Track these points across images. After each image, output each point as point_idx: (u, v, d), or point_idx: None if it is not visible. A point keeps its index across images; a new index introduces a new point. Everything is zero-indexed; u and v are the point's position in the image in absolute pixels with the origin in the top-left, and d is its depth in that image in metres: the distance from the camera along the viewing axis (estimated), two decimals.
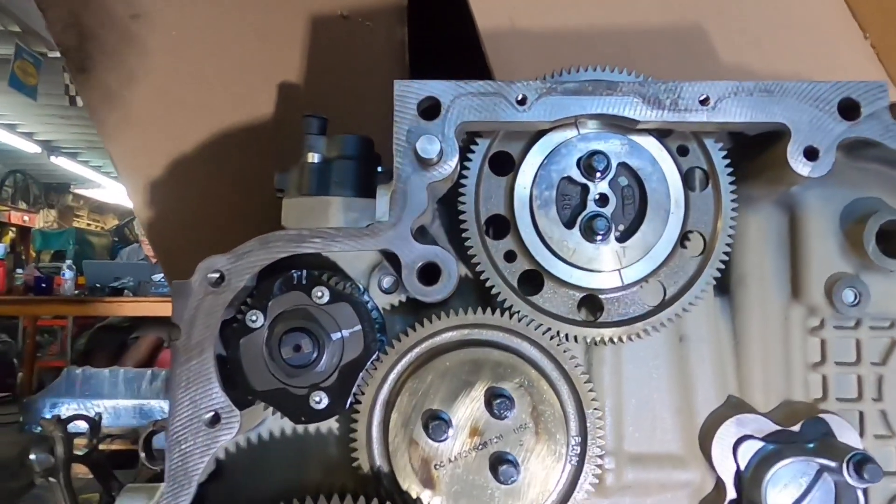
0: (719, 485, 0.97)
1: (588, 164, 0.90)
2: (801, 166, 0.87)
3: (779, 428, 0.96)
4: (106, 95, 1.38)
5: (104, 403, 5.17)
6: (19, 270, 8.08)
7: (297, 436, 0.96)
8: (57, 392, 5.34)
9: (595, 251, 0.91)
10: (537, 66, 1.28)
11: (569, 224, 0.92)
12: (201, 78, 1.46)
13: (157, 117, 1.39)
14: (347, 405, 0.90)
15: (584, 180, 0.92)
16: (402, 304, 0.98)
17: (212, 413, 0.86)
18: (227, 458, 0.97)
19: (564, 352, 0.91)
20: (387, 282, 0.98)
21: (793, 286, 1.01)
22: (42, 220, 13.57)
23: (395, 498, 0.88)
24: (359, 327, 0.91)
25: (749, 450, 0.95)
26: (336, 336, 0.90)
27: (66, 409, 5.12)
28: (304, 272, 0.91)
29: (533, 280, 0.94)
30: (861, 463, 0.87)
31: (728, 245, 0.92)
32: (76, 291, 6.88)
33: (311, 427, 0.96)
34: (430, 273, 0.89)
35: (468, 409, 0.88)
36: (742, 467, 0.95)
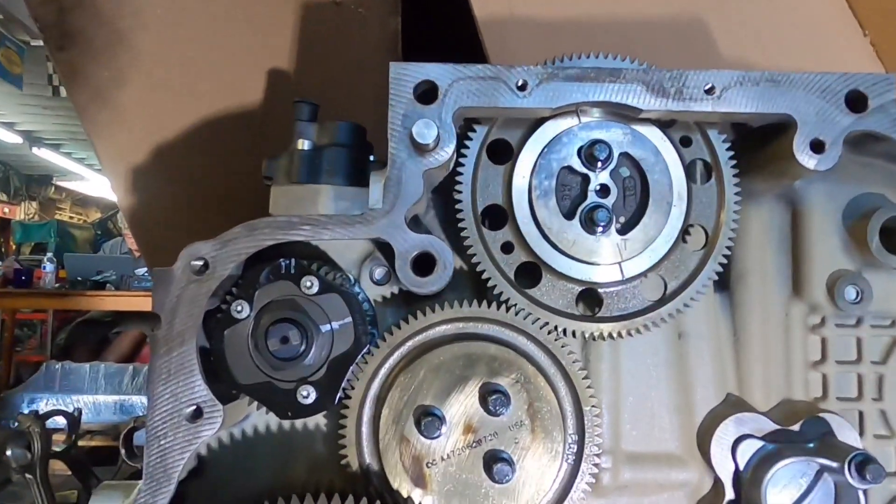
0: (717, 485, 0.94)
1: (589, 154, 0.87)
2: (808, 159, 0.85)
3: (778, 427, 0.94)
4: (83, 76, 1.32)
5: (84, 399, 5.07)
6: None
7: (283, 432, 0.93)
8: (35, 387, 5.23)
9: (595, 243, 0.89)
10: (536, 56, 1.24)
11: (568, 215, 0.89)
12: (188, 63, 1.41)
13: (141, 103, 1.34)
14: (336, 400, 0.87)
15: (584, 170, 0.89)
16: (395, 297, 0.94)
17: (193, 407, 0.82)
18: (209, 454, 0.93)
19: (562, 347, 0.88)
20: (378, 273, 0.94)
21: (794, 283, 0.99)
22: (23, 212, 13.30)
23: (384, 497, 0.84)
24: (349, 319, 0.87)
25: (748, 449, 0.93)
26: (325, 328, 0.87)
27: (45, 404, 5.01)
28: (293, 261, 0.87)
29: (530, 272, 0.91)
30: (863, 463, 0.85)
31: (731, 239, 0.90)
32: (57, 285, 6.74)
33: (298, 423, 0.92)
34: (424, 264, 0.86)
35: (462, 406, 0.85)
36: (741, 467, 0.92)
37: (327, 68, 1.41)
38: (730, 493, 0.93)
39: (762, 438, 0.93)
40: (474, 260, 0.89)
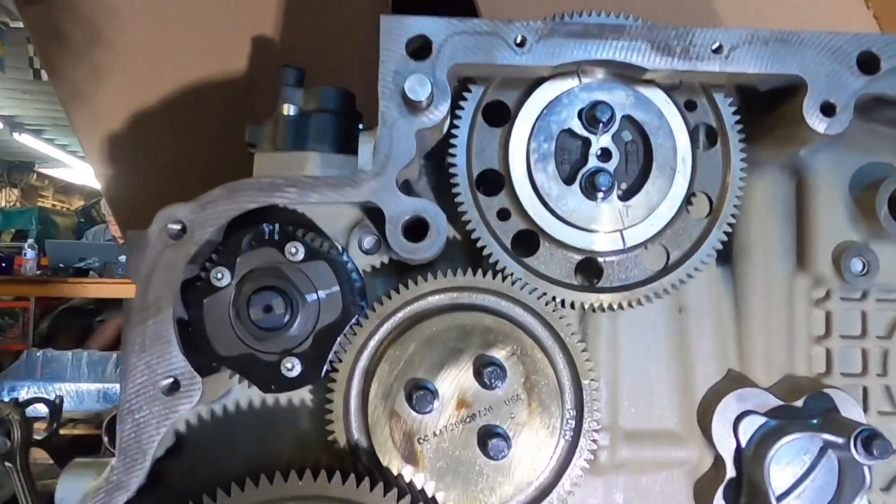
0: (718, 463, 0.91)
1: (591, 116, 0.83)
2: (818, 123, 0.81)
3: (781, 403, 0.91)
4: (56, 34, 1.25)
5: (66, 387, 4.98)
6: None
7: (267, 407, 0.88)
8: (16, 375, 5.12)
9: (596, 210, 0.84)
10: (532, 18, 1.20)
11: (568, 180, 0.85)
12: (169, 28, 1.34)
13: (115, 64, 1.27)
14: (323, 373, 0.82)
15: (585, 133, 0.85)
16: (385, 267, 0.90)
17: (170, 379, 0.77)
18: (188, 431, 0.88)
19: (560, 318, 0.84)
20: (368, 242, 0.90)
21: (798, 255, 0.95)
22: (4, 199, 13.05)
23: (374, 474, 0.80)
24: (336, 288, 0.83)
25: (750, 426, 0.90)
26: (311, 297, 0.82)
27: (26, 392, 4.91)
28: (277, 226, 0.83)
29: (528, 241, 0.87)
30: (870, 439, 0.82)
31: (736, 207, 0.86)
32: (38, 272, 6.61)
33: (282, 397, 0.88)
34: (416, 229, 0.82)
35: (455, 379, 0.81)
36: (743, 444, 0.89)
37: (315, 35, 1.36)
38: (731, 471, 0.90)
39: (765, 414, 0.90)
40: (469, 227, 0.85)
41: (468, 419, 0.81)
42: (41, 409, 3.66)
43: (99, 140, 1.27)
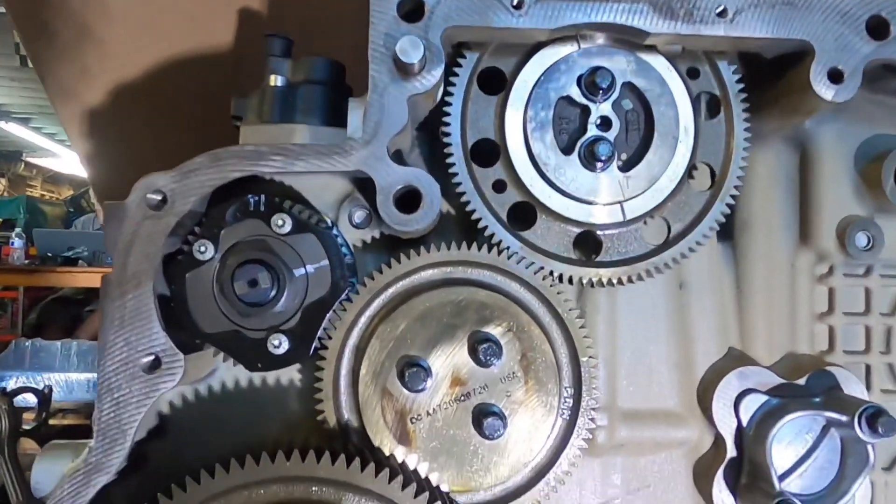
0: (718, 442, 0.89)
1: (590, 82, 0.80)
2: (825, 89, 0.78)
3: (783, 381, 0.89)
4: (32, 5, 1.20)
5: (56, 377, 4.92)
6: None
7: (254, 387, 0.85)
8: (4, 365, 5.06)
9: (595, 181, 0.81)
10: None
11: (567, 150, 0.82)
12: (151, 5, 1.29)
13: (93, 35, 1.22)
14: (311, 351, 0.79)
15: (585, 101, 0.81)
16: (376, 241, 0.86)
17: (151, 357, 0.74)
18: (172, 412, 0.84)
19: (558, 293, 0.81)
20: (358, 216, 0.86)
21: (801, 230, 0.93)
22: None
23: (365, 455, 0.77)
24: (326, 262, 0.79)
25: (752, 404, 0.87)
26: (299, 272, 0.78)
27: (14, 382, 4.85)
28: (263, 197, 0.79)
29: (524, 213, 0.84)
30: (874, 416, 0.80)
31: (739, 179, 0.84)
32: (27, 261, 6.52)
33: (270, 376, 0.85)
34: (408, 200, 0.78)
35: (449, 356, 0.78)
36: (744, 423, 0.87)
37: (304, 5, 1.31)
38: (732, 451, 0.88)
39: (766, 393, 0.88)
40: (464, 199, 0.82)
41: (462, 398, 0.78)
42: (30, 398, 3.62)
43: (80, 118, 1.22)
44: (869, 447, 0.84)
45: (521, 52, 0.83)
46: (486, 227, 0.81)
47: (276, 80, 0.99)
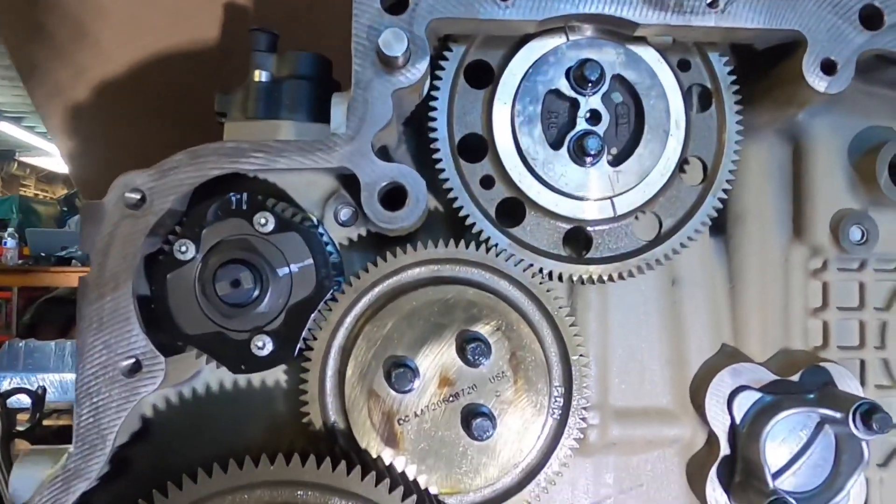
0: (712, 440, 0.88)
1: (579, 75, 0.78)
2: (818, 81, 0.77)
3: (777, 378, 0.88)
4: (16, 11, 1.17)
5: (49, 377, 4.90)
6: None
7: (238, 388, 0.83)
8: None
9: (584, 176, 0.80)
10: None
11: (555, 144, 0.80)
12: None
13: (76, 30, 1.19)
14: (296, 352, 0.77)
15: (573, 94, 0.80)
16: (363, 239, 0.85)
17: (131, 360, 0.72)
18: (155, 416, 0.83)
19: (548, 291, 0.79)
20: (344, 213, 0.84)
21: (795, 224, 0.92)
22: None
23: (351, 457, 0.75)
24: (310, 261, 0.78)
25: (745, 401, 0.86)
26: (283, 271, 0.77)
27: (8, 383, 4.83)
28: (245, 195, 0.77)
29: (513, 209, 0.82)
30: (869, 413, 0.79)
31: (731, 173, 0.82)
32: (20, 261, 6.48)
33: (255, 378, 0.83)
34: (394, 197, 0.76)
35: (437, 356, 0.77)
36: (738, 420, 0.86)
37: (289, 2, 1.28)
38: (725, 449, 0.86)
39: (760, 390, 0.87)
40: (451, 196, 0.80)
41: (451, 398, 0.76)
42: (24, 399, 3.59)
43: (63, 116, 1.20)
44: (863, 444, 0.82)
45: (509, 45, 0.81)
46: (474, 224, 0.80)
47: (260, 76, 0.97)
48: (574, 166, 0.79)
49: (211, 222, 0.76)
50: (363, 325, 0.78)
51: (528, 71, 0.80)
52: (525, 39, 0.80)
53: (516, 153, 0.80)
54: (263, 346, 0.76)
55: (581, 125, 0.80)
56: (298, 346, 0.77)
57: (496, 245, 0.80)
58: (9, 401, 3.22)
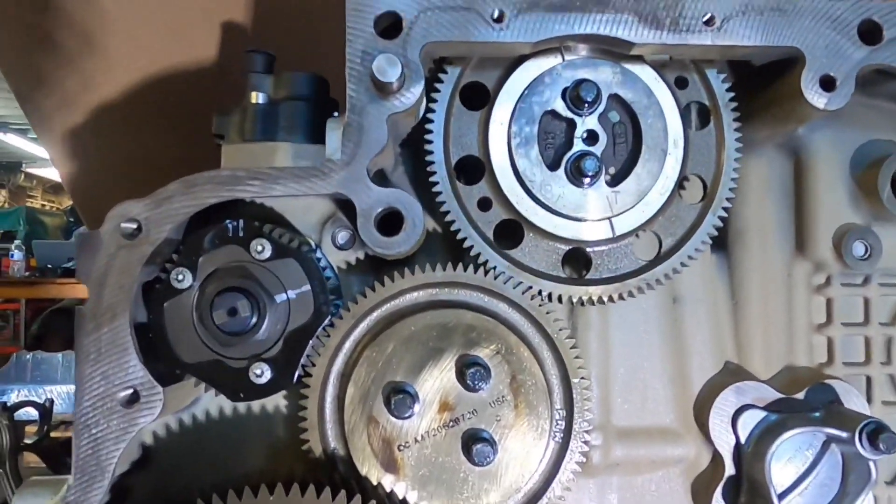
0: (716, 460, 0.87)
1: (575, 95, 0.78)
2: (817, 97, 0.76)
3: (781, 396, 0.86)
4: (7, 27, 1.17)
5: (57, 389, 4.91)
6: None
7: (238, 415, 0.83)
8: (6, 378, 5.06)
9: (582, 197, 0.79)
10: None
11: (553, 166, 0.79)
12: (131, 15, 1.27)
13: (72, 52, 1.19)
14: (295, 379, 0.77)
15: (570, 114, 0.79)
16: (361, 263, 0.84)
17: (129, 390, 0.72)
18: (155, 443, 0.83)
19: (547, 313, 0.79)
20: (342, 237, 0.84)
21: (797, 240, 0.91)
22: None
23: (351, 484, 0.75)
24: (307, 287, 0.77)
25: (750, 420, 0.85)
26: (280, 298, 0.76)
27: (16, 395, 4.85)
28: (241, 223, 0.77)
29: (511, 231, 0.81)
30: (875, 432, 0.78)
31: (731, 190, 0.81)
32: (27, 273, 6.52)
33: (254, 404, 0.83)
34: (390, 223, 0.76)
35: (437, 381, 0.76)
36: (742, 440, 0.85)
37: (287, 20, 1.29)
38: (730, 469, 0.85)
39: (764, 408, 0.86)
40: (448, 219, 0.80)
41: (451, 423, 0.76)
42: (32, 412, 3.61)
43: (62, 140, 1.20)
44: (871, 463, 0.81)
45: (504, 66, 0.81)
46: (472, 247, 0.79)
47: (257, 98, 0.97)
48: (572, 187, 0.79)
49: (207, 250, 0.76)
50: (362, 350, 0.77)
51: (523, 92, 0.79)
52: (520, 60, 0.80)
53: (513, 175, 0.79)
54: (262, 373, 0.75)
55: (578, 146, 0.79)
56: (297, 372, 0.77)
57: (494, 267, 0.79)
58: (17, 413, 3.23)
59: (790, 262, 0.91)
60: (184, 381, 0.78)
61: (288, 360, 0.76)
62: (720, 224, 0.81)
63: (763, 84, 0.83)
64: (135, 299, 0.73)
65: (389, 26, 0.75)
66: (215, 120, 1.00)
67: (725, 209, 0.82)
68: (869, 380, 0.92)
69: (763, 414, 0.85)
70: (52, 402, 3.77)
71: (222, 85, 1.26)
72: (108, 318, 0.71)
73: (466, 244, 0.79)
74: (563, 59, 0.80)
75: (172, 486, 0.81)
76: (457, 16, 0.74)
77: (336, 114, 1.00)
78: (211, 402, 0.83)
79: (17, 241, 7.18)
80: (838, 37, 0.76)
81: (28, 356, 5.20)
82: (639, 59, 0.80)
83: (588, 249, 0.81)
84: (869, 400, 0.90)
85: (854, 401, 0.86)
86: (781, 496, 0.82)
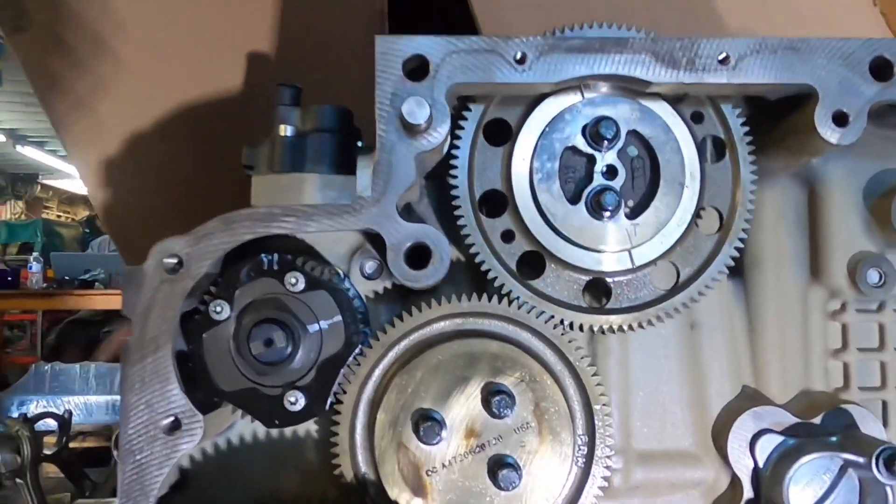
0: (735, 483, 0.89)
1: (595, 132, 0.81)
2: (830, 133, 0.78)
3: (798, 420, 0.88)
4: (45, 58, 1.23)
5: (75, 400, 4.99)
6: None
7: (271, 440, 0.86)
8: (25, 389, 5.14)
9: (602, 229, 0.82)
10: (532, 30, 1.17)
11: (573, 199, 0.82)
12: (158, 42, 1.32)
13: (107, 85, 1.25)
14: (327, 406, 0.80)
15: (590, 150, 0.82)
16: (388, 292, 0.88)
17: (171, 418, 0.75)
18: (191, 466, 0.86)
19: (569, 342, 0.82)
20: (370, 266, 0.88)
21: (812, 267, 0.93)
22: (9, 211, 13.10)
23: None
24: (339, 318, 0.81)
25: (768, 445, 0.87)
26: (313, 328, 0.80)
27: (35, 406, 4.93)
28: (276, 256, 0.81)
29: (533, 263, 0.84)
30: (892, 458, 0.79)
31: (747, 221, 0.84)
32: (45, 285, 6.63)
33: (288, 430, 0.86)
34: (418, 255, 0.79)
35: (463, 408, 0.79)
36: (760, 464, 0.87)
37: (310, 49, 1.33)
38: (748, 492, 0.87)
39: (782, 433, 0.87)
40: (473, 250, 0.83)
41: (477, 449, 0.79)
42: (51, 422, 3.67)
43: (96, 169, 1.25)
44: (888, 488, 0.83)
45: (526, 103, 0.84)
46: (496, 278, 0.82)
47: (285, 130, 1.00)
48: (592, 220, 0.82)
49: (244, 283, 0.80)
50: (391, 378, 0.80)
51: (545, 128, 0.82)
52: (541, 97, 0.83)
53: (535, 208, 0.82)
54: (296, 401, 0.79)
55: (598, 180, 0.82)
56: (329, 400, 0.80)
57: (518, 297, 0.82)
58: (36, 424, 3.29)
59: (805, 289, 0.93)
60: (221, 407, 0.81)
61: (321, 388, 0.80)
62: (736, 254, 0.84)
63: (778, 116, 0.86)
64: (176, 330, 0.77)
65: (416, 68, 0.78)
66: (245, 151, 1.04)
67: (741, 240, 0.84)
68: (885, 404, 0.93)
69: (780, 438, 0.87)
70: (70, 413, 3.84)
71: (248, 113, 1.31)
72: (152, 349, 0.75)
73: (491, 275, 0.82)
74: (583, 97, 0.83)
75: None
76: (481, 58, 0.78)
77: (360, 143, 1.04)
78: (245, 428, 0.86)
79: (35, 253, 7.31)
80: (850, 74, 0.79)
81: (46, 367, 5.28)
82: (656, 95, 0.83)
83: (608, 280, 0.84)
84: (885, 424, 0.92)
85: (870, 425, 0.88)
86: None
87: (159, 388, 0.75)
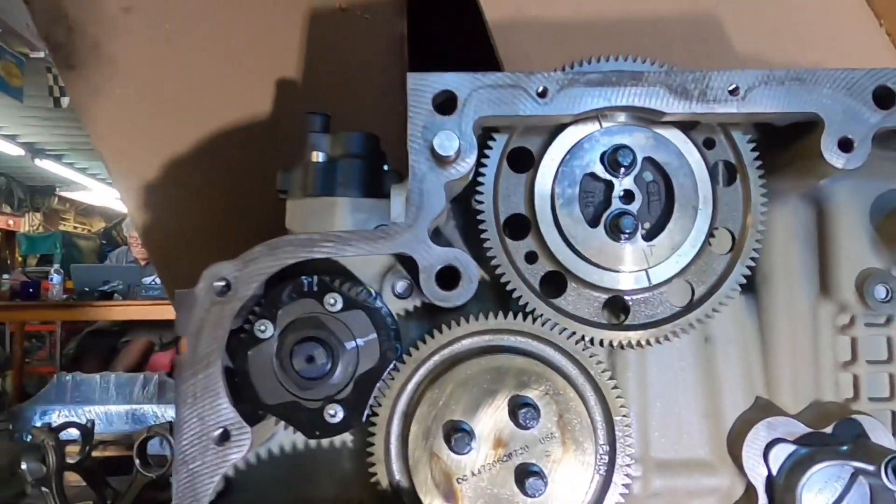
0: (750, 490, 0.93)
1: (613, 159, 0.86)
2: (836, 158, 0.83)
3: (810, 430, 0.92)
4: (94, 93, 1.31)
5: (96, 409, 5.07)
6: (5, 276, 7.93)
7: (310, 450, 0.92)
8: (47, 399, 5.24)
9: (620, 250, 0.87)
10: (548, 57, 1.23)
11: (593, 223, 0.88)
12: (194, 74, 1.40)
13: (149, 116, 1.33)
14: (364, 418, 0.86)
15: (608, 176, 0.88)
16: (417, 310, 0.93)
17: (221, 430, 0.81)
18: (235, 474, 0.92)
19: (590, 357, 0.87)
20: (400, 286, 0.93)
21: (821, 283, 0.97)
22: (27, 224, 13.33)
23: None
24: (374, 335, 0.86)
25: (781, 454, 0.91)
26: (350, 345, 0.85)
27: (58, 415, 5.02)
28: (315, 278, 0.86)
29: (555, 282, 0.90)
30: None
31: (758, 241, 0.89)
32: (64, 296, 6.75)
33: (325, 441, 0.91)
34: (448, 277, 0.85)
35: (491, 420, 0.84)
36: (774, 472, 0.91)
37: (334, 74, 1.40)
38: (763, 499, 0.91)
39: (794, 442, 0.92)
40: (498, 271, 0.88)
41: (505, 458, 0.84)
42: (73, 432, 3.74)
43: (137, 192, 1.33)
44: None
45: (547, 133, 0.89)
46: (520, 297, 0.87)
47: (317, 157, 1.07)
48: (610, 242, 0.87)
49: (286, 303, 0.86)
50: (423, 392, 0.86)
51: (565, 156, 0.88)
52: (561, 127, 0.89)
53: (557, 231, 0.88)
54: (335, 414, 0.84)
55: (616, 204, 0.87)
56: (366, 412, 0.86)
57: (541, 315, 0.87)
58: (60, 434, 3.37)
59: (815, 304, 0.97)
60: (265, 419, 0.87)
61: (358, 402, 0.85)
62: (748, 273, 0.89)
63: (786, 141, 0.91)
64: (224, 348, 0.83)
65: (445, 102, 0.84)
66: (279, 176, 1.10)
67: (753, 258, 0.89)
68: (894, 414, 0.97)
69: (793, 447, 0.91)
70: (93, 423, 3.91)
71: (276, 137, 1.38)
72: (203, 366, 0.81)
73: (515, 294, 0.88)
74: (601, 126, 0.88)
75: None
76: (505, 93, 0.83)
77: (386, 166, 1.09)
78: (285, 438, 0.92)
79: (55, 265, 7.45)
80: (854, 102, 0.84)
81: (68, 377, 5.37)
82: (670, 123, 0.88)
83: (626, 297, 0.89)
84: (894, 434, 0.95)
85: (880, 435, 0.92)
86: None
87: (210, 402, 0.81)
